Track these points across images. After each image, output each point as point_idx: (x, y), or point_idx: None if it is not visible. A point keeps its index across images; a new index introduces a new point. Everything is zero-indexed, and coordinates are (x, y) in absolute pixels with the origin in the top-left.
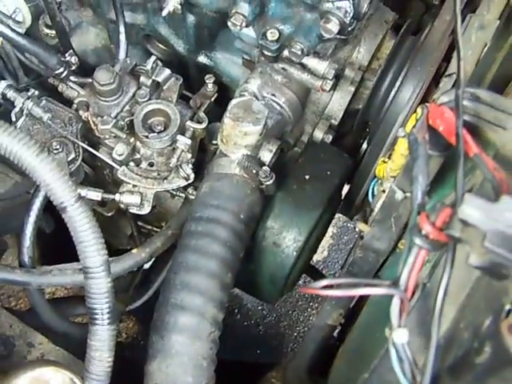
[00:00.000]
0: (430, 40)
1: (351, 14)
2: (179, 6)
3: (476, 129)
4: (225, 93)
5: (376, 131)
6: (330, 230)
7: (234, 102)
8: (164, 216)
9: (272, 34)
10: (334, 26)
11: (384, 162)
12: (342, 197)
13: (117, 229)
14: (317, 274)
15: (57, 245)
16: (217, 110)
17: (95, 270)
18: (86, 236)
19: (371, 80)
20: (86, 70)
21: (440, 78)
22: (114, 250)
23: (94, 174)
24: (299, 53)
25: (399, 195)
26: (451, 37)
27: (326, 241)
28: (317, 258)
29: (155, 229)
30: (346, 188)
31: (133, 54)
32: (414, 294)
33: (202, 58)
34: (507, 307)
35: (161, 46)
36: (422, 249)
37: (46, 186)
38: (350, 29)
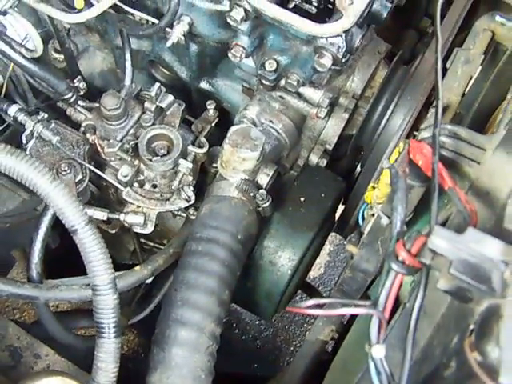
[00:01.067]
0: (420, 70)
1: (344, 49)
2: (183, 38)
3: (453, 163)
4: (225, 117)
5: (368, 156)
6: (327, 248)
7: (233, 129)
8: (165, 234)
9: (270, 65)
10: (327, 61)
11: (373, 187)
12: (337, 217)
13: (120, 245)
14: (312, 291)
15: (60, 257)
16: (218, 133)
17: (103, 287)
18: (94, 256)
19: (364, 108)
20: (92, 92)
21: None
22: (116, 265)
23: (100, 192)
24: (295, 83)
25: (385, 221)
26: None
27: (323, 258)
28: (313, 274)
29: (157, 245)
30: (341, 208)
31: (138, 78)
32: (394, 312)
33: (203, 84)
34: (471, 327)
35: (164, 71)
36: (399, 273)
37: (58, 210)
38: (343, 62)
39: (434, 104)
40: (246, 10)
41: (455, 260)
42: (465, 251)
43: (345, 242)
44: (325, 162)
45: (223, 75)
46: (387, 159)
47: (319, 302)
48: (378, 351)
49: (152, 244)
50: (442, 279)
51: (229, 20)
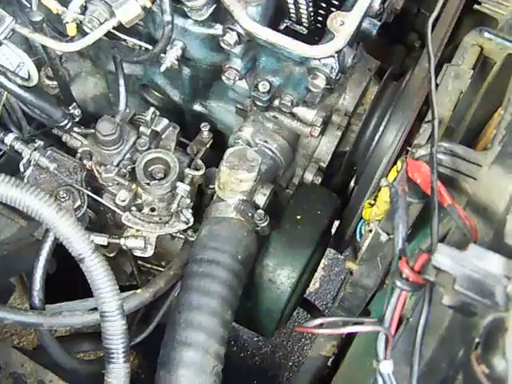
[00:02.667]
0: (410, 86)
1: (337, 70)
2: (176, 62)
3: (451, 179)
4: (220, 138)
5: (362, 172)
6: (322, 262)
7: (229, 150)
8: (164, 256)
9: (263, 86)
10: (321, 82)
11: (370, 204)
12: (332, 232)
13: (118, 267)
14: (310, 307)
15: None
16: (213, 155)
17: (111, 313)
18: (102, 283)
19: (357, 125)
20: (85, 117)
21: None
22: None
23: (97, 217)
24: (289, 104)
25: (384, 237)
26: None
27: (318, 272)
28: (309, 289)
29: (155, 267)
30: (336, 223)
31: (130, 101)
32: (399, 327)
33: (197, 107)
34: (476, 340)
35: (157, 94)
36: (403, 290)
37: (65, 239)
38: (336, 81)
39: (426, 120)
40: (239, 34)
41: (459, 276)
42: (468, 267)
43: (339, 256)
44: (319, 179)
45: (216, 97)
46: (385, 178)
47: (326, 321)
48: (386, 367)
49: (149, 266)
50: (447, 295)
51: (222, 44)
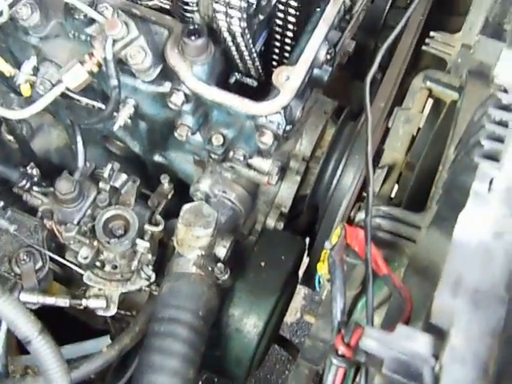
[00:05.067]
0: (365, 128)
1: (284, 126)
2: (129, 120)
3: (390, 243)
4: (183, 184)
5: (324, 214)
6: (302, 292)
7: (185, 207)
8: (133, 306)
9: (217, 140)
10: (268, 139)
11: (322, 261)
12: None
13: (93, 312)
14: (286, 343)
15: None
16: (177, 203)
17: None
18: (50, 364)
19: (315, 168)
20: (49, 168)
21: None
22: (90, 331)
23: (63, 271)
24: (242, 158)
25: None
26: (385, 123)
27: (298, 302)
28: (290, 320)
29: (128, 313)
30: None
31: (93, 151)
32: None
33: (157, 157)
34: None
35: (119, 144)
36: (340, 367)
37: (10, 322)
38: (285, 136)
39: (380, 165)
40: (185, 94)
41: (387, 359)
42: (395, 349)
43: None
44: (282, 224)
45: (174, 148)
46: (329, 240)
47: None
48: None
49: (123, 313)
50: (377, 377)
51: (170, 104)
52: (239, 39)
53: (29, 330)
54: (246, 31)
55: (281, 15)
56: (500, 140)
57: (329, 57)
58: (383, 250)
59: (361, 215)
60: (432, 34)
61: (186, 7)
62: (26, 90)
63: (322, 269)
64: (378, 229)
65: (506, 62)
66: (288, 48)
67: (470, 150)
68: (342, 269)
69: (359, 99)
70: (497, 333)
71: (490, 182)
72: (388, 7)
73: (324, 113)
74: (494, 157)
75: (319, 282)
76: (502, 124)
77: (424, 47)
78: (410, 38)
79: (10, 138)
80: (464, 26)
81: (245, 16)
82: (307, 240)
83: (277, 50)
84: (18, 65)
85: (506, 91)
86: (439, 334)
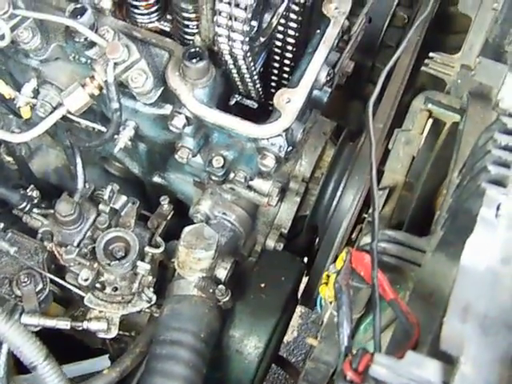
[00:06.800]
0: (364, 149)
1: (285, 148)
2: (129, 142)
3: (395, 267)
4: (183, 205)
5: (324, 235)
6: (298, 310)
7: (186, 229)
8: (133, 326)
9: (217, 161)
10: (270, 162)
11: (325, 283)
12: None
13: (91, 333)
14: (285, 364)
15: None
16: (176, 223)
17: None
18: None
19: (315, 189)
20: (48, 188)
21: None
22: (90, 350)
23: (63, 292)
24: (242, 180)
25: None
26: (384, 145)
27: (295, 321)
28: (287, 338)
29: (127, 333)
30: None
31: (92, 172)
32: None
33: (156, 178)
34: None
35: (118, 165)
36: None
37: (16, 348)
38: (286, 158)
39: (381, 186)
40: (186, 117)
41: None
42: (405, 376)
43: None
44: (281, 245)
45: (174, 170)
46: (333, 264)
47: None
48: None
49: (121, 333)
50: None
51: (171, 127)
52: (241, 62)
53: (34, 356)
54: (248, 54)
55: (280, 36)
56: (506, 165)
57: (328, 78)
58: (388, 274)
59: (366, 239)
60: (431, 54)
61: (186, 30)
62: (26, 113)
63: (325, 291)
64: (383, 253)
65: (511, 86)
66: (287, 69)
67: (475, 175)
68: (349, 294)
69: (357, 119)
70: (506, 359)
71: (498, 208)
72: (385, 27)
73: (323, 134)
74: (500, 182)
75: (320, 304)
76: (508, 149)
77: (423, 68)
78: (408, 57)
79: (10, 159)
80: (463, 46)
81: (247, 39)
82: (305, 259)
83: (275, 71)
84: (18, 87)
85: (511, 116)
86: (449, 361)
